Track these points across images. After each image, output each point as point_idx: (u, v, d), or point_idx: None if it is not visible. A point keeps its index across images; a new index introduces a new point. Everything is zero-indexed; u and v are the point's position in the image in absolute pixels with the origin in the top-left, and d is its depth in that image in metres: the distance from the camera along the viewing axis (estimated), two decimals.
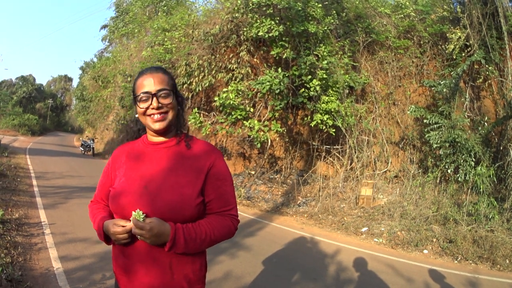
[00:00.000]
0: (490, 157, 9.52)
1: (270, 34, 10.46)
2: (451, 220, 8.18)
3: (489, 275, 6.14)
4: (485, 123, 10.23)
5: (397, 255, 7.03)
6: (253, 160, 13.38)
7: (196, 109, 11.88)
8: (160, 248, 1.56)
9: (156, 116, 1.62)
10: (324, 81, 10.29)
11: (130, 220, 1.54)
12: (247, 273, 5.28)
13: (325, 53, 10.48)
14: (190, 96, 12.82)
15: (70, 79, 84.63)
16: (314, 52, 10.51)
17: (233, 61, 12.07)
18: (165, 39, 14.03)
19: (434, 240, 7.62)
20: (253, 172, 12.53)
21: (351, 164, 11.17)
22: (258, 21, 10.76)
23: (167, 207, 1.55)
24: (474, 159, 9.11)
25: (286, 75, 10.40)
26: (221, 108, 11.14)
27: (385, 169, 11.09)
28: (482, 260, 6.74)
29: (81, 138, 30.70)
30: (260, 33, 10.55)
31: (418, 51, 11.87)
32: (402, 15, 12.24)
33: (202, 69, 12.15)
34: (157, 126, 1.63)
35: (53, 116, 75.36)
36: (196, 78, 12.18)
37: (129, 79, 16.46)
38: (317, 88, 10.14)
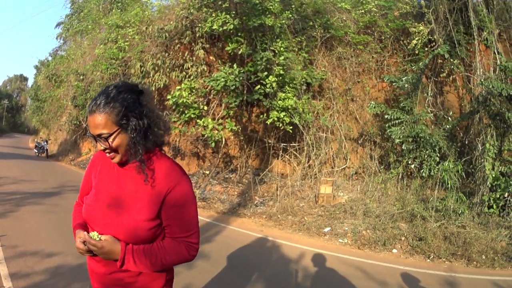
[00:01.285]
0: (456, 152, 9.45)
1: (225, 28, 10.05)
2: (418, 217, 7.94)
3: (466, 273, 5.96)
4: (449, 118, 10.17)
5: (365, 256, 6.71)
6: (207, 159, 12.95)
7: None
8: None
9: (107, 154, 1.65)
10: (280, 78, 10.04)
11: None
12: (208, 285, 4.86)
13: (282, 49, 10.13)
14: None
15: (26, 79, 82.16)
16: (271, 48, 10.15)
17: (187, 59, 11.51)
18: (119, 36, 13.32)
19: (403, 238, 7.36)
20: (207, 172, 12.06)
21: (308, 161, 10.90)
22: (214, 15, 10.23)
23: (122, 230, 1.61)
24: (438, 154, 9.03)
25: (242, 71, 9.95)
26: (174, 107, 10.59)
27: (344, 166, 10.89)
28: (456, 257, 6.55)
29: (35, 140, 29.28)
30: (214, 27, 10.13)
31: (378, 46, 11.73)
32: (363, 11, 12.06)
33: (157, 69, 11.54)
34: (113, 161, 1.67)
35: (8, 117, 72.93)
36: (151, 79, 11.55)
37: (81, 77, 15.70)
38: (274, 84, 9.82)
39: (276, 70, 9.84)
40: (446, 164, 8.50)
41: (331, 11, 12.22)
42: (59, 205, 8.83)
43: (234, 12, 10.36)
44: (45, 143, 24.50)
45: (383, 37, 11.77)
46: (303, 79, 10.47)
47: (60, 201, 9.44)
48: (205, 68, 11.61)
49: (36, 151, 24.88)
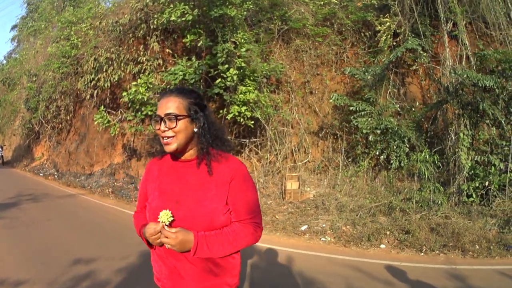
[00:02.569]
0: (425, 143, 9.10)
1: (183, 19, 9.18)
2: (398, 210, 7.48)
3: (466, 264, 5.58)
4: (414, 109, 9.85)
5: (355, 254, 6.15)
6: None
7: (102, 107, 10.27)
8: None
9: (165, 139, 1.69)
10: (241, 70, 9.26)
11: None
12: None
13: (242, 40, 9.33)
14: (95, 94, 11.14)
15: None
16: (232, 39, 9.32)
17: (142, 53, 10.60)
18: (72, 33, 12.24)
19: (388, 232, 6.81)
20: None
21: (271, 157, 10.19)
22: (172, 5, 9.38)
23: (199, 221, 1.66)
24: (407, 145, 8.71)
25: (201, 63, 9.13)
26: (129, 105, 9.65)
27: (306, 160, 10.25)
28: (449, 248, 6.12)
29: None
30: (172, 18, 9.26)
31: (338, 38, 11.15)
32: (322, 3, 11.48)
33: (110, 62, 10.58)
34: (166, 148, 1.70)
35: None
36: (105, 73, 10.57)
37: (34, 79, 14.46)
38: (235, 77, 9.04)
39: (238, 62, 9.06)
40: (423, 155, 8.08)
41: (288, 3, 11.52)
42: (19, 219, 7.87)
43: (192, 3, 9.53)
44: (0, 149, 22.79)
45: (343, 29, 11.19)
46: (264, 72, 9.77)
47: (20, 213, 8.45)
48: (161, 62, 10.74)
49: None
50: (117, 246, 5.88)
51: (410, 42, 9.06)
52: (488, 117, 8.18)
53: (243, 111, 9.27)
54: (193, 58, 9.22)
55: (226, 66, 9.12)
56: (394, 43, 10.37)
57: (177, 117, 1.65)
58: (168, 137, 1.66)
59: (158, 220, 1.62)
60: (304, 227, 7.44)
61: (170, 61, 10.75)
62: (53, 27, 16.11)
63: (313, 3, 11.57)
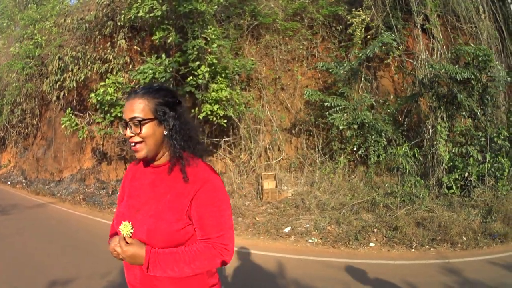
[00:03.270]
0: (402, 136, 9.06)
1: (152, 15, 8.61)
2: (381, 206, 7.32)
3: (458, 257, 5.58)
4: (388, 103, 9.78)
5: (346, 256, 5.88)
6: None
7: (69, 109, 9.61)
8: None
9: (133, 145, 1.54)
10: (213, 67, 8.78)
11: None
12: None
13: (213, 36, 8.84)
14: (62, 96, 10.42)
15: None
16: (202, 35, 8.82)
17: (109, 51, 9.98)
18: (35, 31, 11.46)
19: (375, 230, 6.62)
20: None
21: (244, 156, 9.80)
22: (139, 0, 8.77)
23: (152, 233, 1.49)
24: (385, 140, 8.71)
25: (172, 61, 8.61)
26: (97, 106, 9.06)
27: (279, 158, 9.91)
28: (437, 242, 6.07)
29: None
30: (140, 14, 8.66)
31: (308, 33, 10.81)
32: None
33: (76, 61, 9.91)
34: (136, 155, 1.56)
35: None
36: (70, 73, 9.90)
37: None
38: (206, 75, 8.55)
39: (209, 59, 8.59)
40: (403, 149, 7.89)
41: None
42: None
43: None
44: None
45: (314, 24, 10.85)
46: (236, 69, 9.34)
47: None
48: (128, 60, 10.14)
49: None
50: (95, 262, 5.28)
51: (385, 36, 8.89)
52: (464, 109, 8.21)
53: (216, 109, 8.82)
54: (163, 56, 8.69)
55: (197, 63, 8.64)
56: (368, 36, 10.20)
57: (141, 122, 1.49)
58: (136, 143, 1.52)
59: (121, 232, 1.50)
60: (287, 229, 7.09)
61: (138, 60, 10.16)
62: (15, 25, 15.13)
63: None
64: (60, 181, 11.73)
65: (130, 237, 1.49)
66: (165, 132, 1.55)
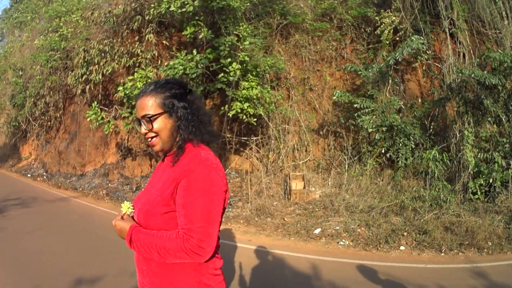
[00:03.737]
0: (429, 140, 8.81)
1: (183, 10, 8.29)
2: (410, 209, 7.09)
3: (485, 261, 5.43)
4: (416, 106, 9.53)
5: (379, 259, 5.71)
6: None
7: (95, 103, 9.31)
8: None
9: (149, 140, 1.61)
10: (244, 65, 8.44)
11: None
12: None
13: (245, 33, 8.53)
14: (87, 89, 10.12)
15: None
16: (235, 32, 8.51)
17: (137, 45, 9.69)
18: (60, 24, 11.20)
19: (405, 233, 6.40)
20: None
21: (272, 155, 9.51)
22: None
23: (138, 212, 1.60)
24: (413, 143, 8.46)
25: (203, 57, 8.31)
26: (124, 100, 8.74)
27: (307, 159, 9.61)
28: (465, 247, 5.90)
29: None
30: (172, 8, 8.35)
31: (337, 33, 10.57)
32: None
33: (103, 54, 9.60)
34: (154, 149, 1.63)
35: None
36: (96, 66, 9.60)
37: (20, 73, 13.25)
38: (238, 72, 8.23)
39: (241, 56, 8.30)
40: (432, 153, 7.68)
41: None
42: (6, 230, 6.58)
43: None
44: None
45: (344, 24, 10.58)
46: (266, 68, 9.02)
47: (6, 223, 7.06)
48: (156, 54, 9.83)
49: None
50: (122, 259, 4.86)
51: (415, 40, 8.57)
52: (490, 115, 8.05)
53: (246, 108, 8.51)
54: (194, 51, 8.39)
55: (229, 60, 8.33)
56: (397, 38, 9.90)
57: (151, 118, 1.55)
58: (151, 138, 1.58)
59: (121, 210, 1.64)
60: (317, 230, 6.82)
61: (166, 55, 9.86)
62: (40, 19, 14.81)
63: None
64: (83, 175, 11.45)
65: (130, 216, 1.62)
66: (176, 121, 1.57)
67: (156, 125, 1.54)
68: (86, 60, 9.85)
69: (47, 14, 12.56)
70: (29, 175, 13.37)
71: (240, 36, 8.60)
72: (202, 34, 8.48)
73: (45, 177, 12.73)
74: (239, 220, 7.73)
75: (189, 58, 8.31)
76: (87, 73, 9.91)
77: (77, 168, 11.77)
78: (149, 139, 1.58)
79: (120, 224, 1.57)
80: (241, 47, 8.52)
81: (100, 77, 9.65)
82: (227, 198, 1.60)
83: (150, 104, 1.54)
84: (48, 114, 13.20)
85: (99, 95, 10.58)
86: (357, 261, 5.53)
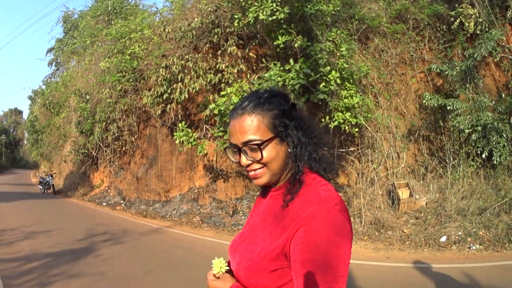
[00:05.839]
0: None
1: (274, 17, 7.36)
2: None
3: None
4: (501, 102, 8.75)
5: None
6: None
7: (183, 123, 8.31)
8: None
9: (251, 173, 1.10)
10: (343, 72, 7.47)
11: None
12: None
13: (339, 40, 7.52)
14: (169, 109, 9.12)
15: (20, 112, 70.36)
16: (329, 39, 7.50)
17: (219, 60, 8.70)
18: (127, 44, 10.34)
19: None
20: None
21: (372, 165, 8.53)
22: (256, 3, 7.50)
23: (238, 266, 1.13)
24: (506, 141, 7.75)
25: (303, 66, 7.29)
26: (217, 119, 7.74)
27: (401, 166, 8.68)
28: None
29: (37, 174, 23.68)
30: (261, 17, 7.41)
31: (414, 34, 9.59)
32: None
33: (186, 71, 8.62)
34: (255, 182, 1.12)
35: (7, 152, 62.03)
36: (180, 84, 8.60)
37: (87, 97, 12.31)
38: (338, 80, 7.22)
39: (340, 63, 7.29)
40: None
41: (358, 2, 9.89)
42: (105, 275, 5.08)
43: (279, 0, 7.69)
44: (50, 177, 18.93)
45: (421, 24, 9.59)
46: (362, 73, 8.01)
47: (102, 266, 5.52)
48: (243, 68, 8.78)
49: (41, 187, 19.32)
50: None
51: (494, 33, 7.91)
52: None
53: (348, 117, 7.46)
54: (291, 61, 7.39)
55: (328, 68, 7.31)
56: (477, 32, 8.88)
57: (260, 146, 1.04)
58: (255, 170, 1.08)
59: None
60: (443, 238, 6.47)
61: (253, 68, 8.85)
62: (100, 42, 13.92)
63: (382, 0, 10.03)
64: (167, 202, 10.28)
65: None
66: (290, 150, 1.09)
67: (266, 153, 1.06)
68: (166, 78, 8.87)
69: (109, 37, 11.68)
70: (104, 204, 12.25)
71: (336, 42, 7.59)
72: (298, 42, 7.49)
73: (123, 205, 11.63)
74: (362, 237, 7.04)
75: (287, 68, 7.32)
76: (168, 91, 8.91)
77: (161, 194, 10.61)
78: (252, 172, 1.09)
79: (214, 285, 1.14)
80: (338, 54, 7.51)
81: (186, 95, 8.61)
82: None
83: (255, 126, 1.06)
84: (122, 139, 12.08)
85: (179, 116, 9.50)
86: (500, 263, 5.33)
